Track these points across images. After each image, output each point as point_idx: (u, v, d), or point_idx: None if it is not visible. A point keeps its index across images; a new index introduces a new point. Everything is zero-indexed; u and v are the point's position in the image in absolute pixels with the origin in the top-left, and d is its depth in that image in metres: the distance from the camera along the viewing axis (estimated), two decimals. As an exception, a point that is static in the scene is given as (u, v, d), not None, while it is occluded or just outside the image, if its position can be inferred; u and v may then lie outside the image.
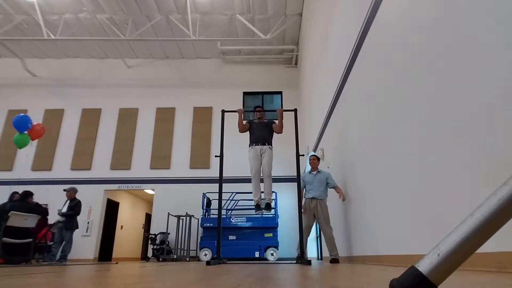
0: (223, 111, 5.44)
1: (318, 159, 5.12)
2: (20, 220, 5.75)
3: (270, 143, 5.11)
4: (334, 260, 4.42)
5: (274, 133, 5.23)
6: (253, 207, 9.50)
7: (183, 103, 11.61)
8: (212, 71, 12.19)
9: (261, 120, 5.38)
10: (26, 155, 10.45)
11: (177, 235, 8.84)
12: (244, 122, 5.30)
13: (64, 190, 6.67)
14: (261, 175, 4.98)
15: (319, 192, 4.79)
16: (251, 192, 9.39)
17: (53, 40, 10.04)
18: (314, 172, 4.95)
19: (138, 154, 10.96)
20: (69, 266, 4.35)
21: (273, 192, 9.17)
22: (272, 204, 8.98)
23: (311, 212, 4.77)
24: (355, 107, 4.18)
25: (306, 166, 8.42)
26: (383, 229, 3.16)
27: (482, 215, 0.56)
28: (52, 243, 6.55)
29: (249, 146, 5.11)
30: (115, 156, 10.96)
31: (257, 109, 5.43)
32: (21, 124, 6.47)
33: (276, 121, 5.26)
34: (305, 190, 4.95)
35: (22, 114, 6.63)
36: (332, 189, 4.91)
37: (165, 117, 11.44)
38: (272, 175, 5.01)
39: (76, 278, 1.74)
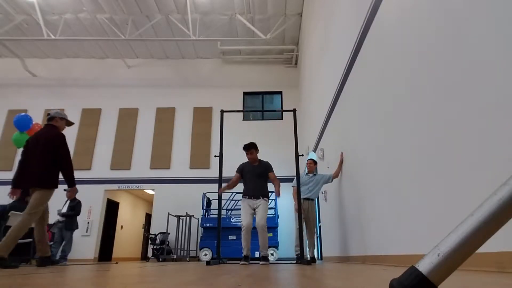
0: (223, 111, 5.44)
1: (315, 163, 5.29)
2: (20, 220, 5.74)
3: (265, 196, 4.59)
4: (312, 259, 4.87)
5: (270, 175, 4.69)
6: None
7: (183, 103, 11.62)
8: (212, 71, 12.19)
9: (254, 163, 4.70)
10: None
11: (177, 235, 8.84)
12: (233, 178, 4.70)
13: (65, 190, 6.66)
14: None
15: (312, 193, 5.09)
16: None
17: (53, 40, 10.03)
18: (310, 175, 5.14)
19: (138, 154, 10.97)
20: (69, 266, 4.35)
21: (273, 192, 9.19)
22: (272, 205, 8.98)
23: (303, 212, 5.02)
24: (355, 107, 4.18)
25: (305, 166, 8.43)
26: (383, 229, 3.16)
27: (482, 215, 0.56)
28: (52, 243, 6.55)
29: (242, 196, 4.65)
30: (115, 156, 10.96)
31: (247, 151, 4.67)
32: (22, 123, 6.45)
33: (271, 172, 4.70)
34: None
35: (23, 114, 6.62)
36: (333, 180, 5.14)
37: (165, 117, 11.44)
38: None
39: (76, 278, 1.74)
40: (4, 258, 3.24)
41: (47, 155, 3.59)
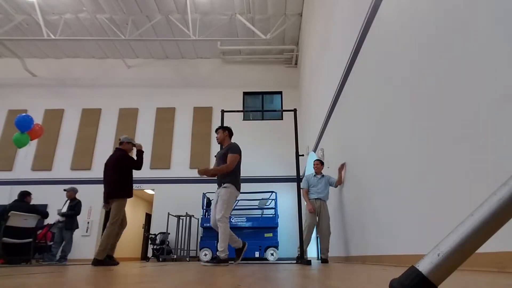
0: (223, 111, 5.44)
1: (322, 163, 5.23)
2: (20, 220, 5.75)
3: (225, 181, 4.04)
4: (325, 261, 4.69)
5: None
6: (253, 207, 9.48)
7: (183, 103, 11.62)
8: (212, 71, 12.20)
9: (223, 145, 4.41)
10: (25, 154, 10.46)
11: (177, 235, 8.84)
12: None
13: (65, 190, 6.68)
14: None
15: (323, 194, 4.98)
16: (250, 192, 9.37)
17: (53, 40, 10.03)
18: (319, 176, 5.10)
19: (138, 154, 10.95)
20: (69, 266, 4.35)
21: (273, 192, 9.21)
22: (271, 204, 8.98)
23: (315, 211, 4.94)
24: (355, 107, 4.18)
25: (306, 166, 8.42)
26: (383, 229, 3.16)
27: (482, 215, 0.56)
28: (52, 243, 6.56)
29: None
30: (115, 156, 10.95)
31: (216, 132, 4.46)
32: (23, 124, 6.46)
33: (229, 153, 4.14)
34: (309, 191, 5.07)
35: (25, 114, 6.62)
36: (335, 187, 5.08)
37: (165, 117, 11.44)
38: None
39: (76, 278, 1.74)
40: (102, 261, 4.17)
41: (116, 172, 4.44)
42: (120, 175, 4.45)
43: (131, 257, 12.92)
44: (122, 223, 4.48)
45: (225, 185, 4.03)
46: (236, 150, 4.20)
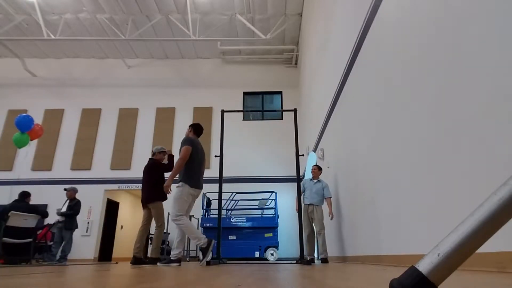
0: (223, 111, 5.44)
1: (320, 169, 5.30)
2: (20, 220, 5.75)
3: (179, 178, 3.93)
4: (324, 260, 4.81)
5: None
6: (253, 207, 9.46)
7: (183, 103, 11.62)
8: (212, 71, 12.20)
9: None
10: (25, 154, 10.46)
11: (177, 235, 8.83)
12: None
13: (65, 189, 6.68)
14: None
15: (316, 199, 5.09)
16: (251, 192, 9.36)
17: (53, 40, 10.04)
18: (315, 180, 5.21)
19: (138, 154, 10.97)
20: (69, 266, 4.35)
21: (273, 192, 9.23)
22: (271, 204, 8.99)
23: (308, 217, 5.08)
24: (355, 107, 4.18)
25: (306, 166, 8.43)
26: (383, 229, 3.16)
27: (482, 215, 0.56)
28: (52, 243, 6.55)
29: None
30: (115, 156, 10.96)
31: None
32: (23, 124, 6.46)
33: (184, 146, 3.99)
34: (303, 195, 5.15)
35: (25, 114, 6.62)
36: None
37: (165, 117, 11.44)
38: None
39: (76, 278, 1.74)
40: (159, 258, 4.64)
41: (149, 179, 4.94)
42: (152, 182, 4.89)
43: (131, 257, 12.91)
44: (148, 225, 4.97)
45: (178, 184, 3.89)
46: (186, 142, 3.99)
